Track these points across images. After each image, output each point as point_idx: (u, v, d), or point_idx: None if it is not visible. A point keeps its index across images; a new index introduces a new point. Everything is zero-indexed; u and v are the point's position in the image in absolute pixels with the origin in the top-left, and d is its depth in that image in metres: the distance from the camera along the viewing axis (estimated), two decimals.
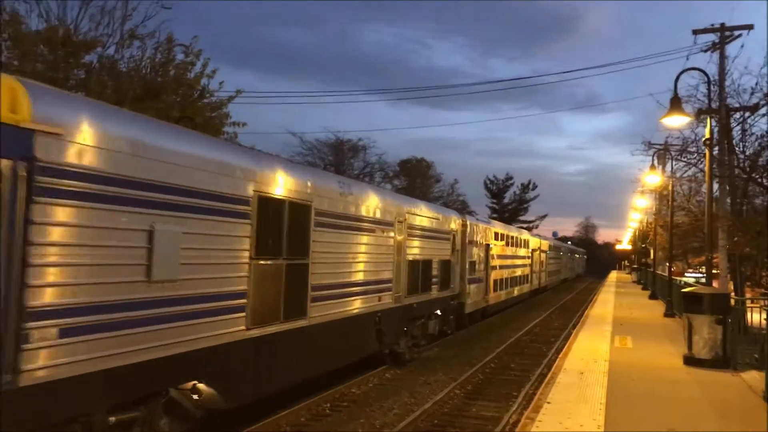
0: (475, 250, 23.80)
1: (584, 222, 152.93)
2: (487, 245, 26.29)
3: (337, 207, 11.58)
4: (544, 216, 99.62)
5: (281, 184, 9.69)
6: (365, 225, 12.87)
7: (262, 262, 9.01)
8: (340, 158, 52.59)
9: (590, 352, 14.10)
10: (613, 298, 33.26)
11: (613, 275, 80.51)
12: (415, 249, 15.92)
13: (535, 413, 8.70)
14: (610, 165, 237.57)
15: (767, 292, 24.70)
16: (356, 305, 12.62)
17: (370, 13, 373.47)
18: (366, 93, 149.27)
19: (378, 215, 13.48)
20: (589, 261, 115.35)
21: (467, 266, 22.37)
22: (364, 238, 12.87)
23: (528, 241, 39.35)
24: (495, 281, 28.03)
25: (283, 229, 9.61)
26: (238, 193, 8.51)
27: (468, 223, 22.82)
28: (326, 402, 12.31)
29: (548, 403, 9.27)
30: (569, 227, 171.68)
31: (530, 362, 17.87)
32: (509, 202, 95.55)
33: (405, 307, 15.30)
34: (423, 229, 16.54)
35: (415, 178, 60.35)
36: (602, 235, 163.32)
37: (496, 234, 28.67)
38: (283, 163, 10.67)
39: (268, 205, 9.21)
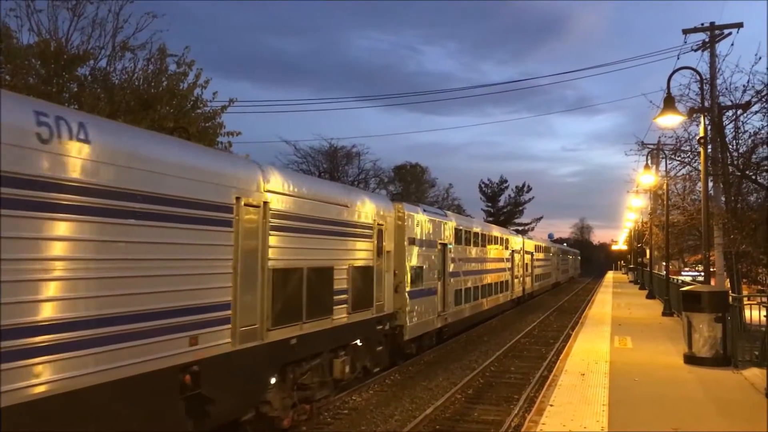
0: (422, 251, 18.35)
1: (579, 223, 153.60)
2: (444, 245, 20.81)
3: (26, 166, 5.83)
4: (540, 218, 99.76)
5: None
6: (136, 207, 7.15)
7: None
8: (334, 165, 52.65)
9: (590, 353, 14.09)
10: (610, 299, 33.28)
11: (610, 276, 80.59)
12: (291, 250, 10.38)
13: (539, 416, 8.68)
14: (604, 166, 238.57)
15: (764, 288, 24.84)
16: (111, 360, 6.67)
17: (361, 21, 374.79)
18: (359, 99, 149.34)
19: (180, 191, 7.86)
20: (584, 262, 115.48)
21: (408, 274, 17.00)
22: (131, 231, 7.08)
23: (507, 240, 33.67)
24: (456, 292, 22.22)
25: None
26: None
27: (407, 213, 17.10)
28: (326, 411, 12.27)
29: (551, 405, 9.25)
30: (565, 229, 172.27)
31: (530, 365, 17.89)
32: (504, 205, 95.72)
33: (269, 346, 9.64)
34: (310, 219, 11.07)
35: (410, 184, 60.51)
36: (598, 236, 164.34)
37: (457, 231, 22.64)
38: None
39: None
